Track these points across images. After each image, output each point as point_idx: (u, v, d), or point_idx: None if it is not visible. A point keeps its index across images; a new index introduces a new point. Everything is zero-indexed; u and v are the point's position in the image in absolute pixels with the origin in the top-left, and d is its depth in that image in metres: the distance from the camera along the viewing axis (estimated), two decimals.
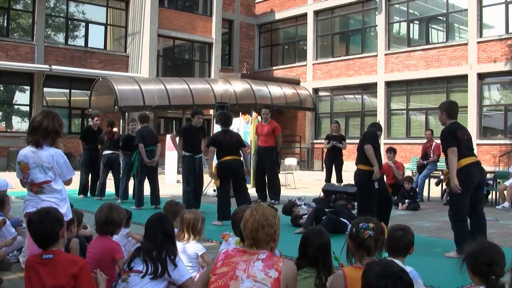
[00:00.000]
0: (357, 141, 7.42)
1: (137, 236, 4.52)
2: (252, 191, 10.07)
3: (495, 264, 2.67)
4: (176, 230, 4.11)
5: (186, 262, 3.97)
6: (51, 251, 3.03)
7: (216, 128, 12.98)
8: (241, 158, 7.95)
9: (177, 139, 9.03)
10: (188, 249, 4.08)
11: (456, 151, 5.63)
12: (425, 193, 11.60)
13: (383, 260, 2.42)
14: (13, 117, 20.72)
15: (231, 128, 8.55)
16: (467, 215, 5.70)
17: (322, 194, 10.56)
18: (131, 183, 10.13)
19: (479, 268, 2.69)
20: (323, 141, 13.01)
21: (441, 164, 11.05)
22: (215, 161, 8.24)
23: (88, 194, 10.90)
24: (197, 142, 8.91)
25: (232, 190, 8.10)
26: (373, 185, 6.73)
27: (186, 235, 4.13)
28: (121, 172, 10.27)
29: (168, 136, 15.86)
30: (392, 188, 10.28)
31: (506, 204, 10.15)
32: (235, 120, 10.63)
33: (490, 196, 11.30)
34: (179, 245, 4.09)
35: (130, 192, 10.14)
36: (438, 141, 10.31)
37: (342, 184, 11.32)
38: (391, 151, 10.63)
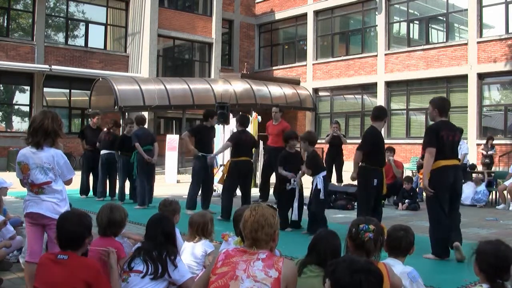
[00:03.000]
0: (357, 141, 7.44)
1: (133, 235, 4.51)
2: (254, 190, 10.10)
3: (505, 266, 2.66)
4: (176, 229, 4.12)
5: (194, 259, 4.02)
6: (67, 252, 3.01)
7: (217, 128, 13.02)
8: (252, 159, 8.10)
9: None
10: (198, 247, 4.12)
11: (434, 151, 5.58)
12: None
13: (346, 257, 2.40)
14: (13, 117, 20.70)
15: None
16: (444, 216, 5.58)
17: None
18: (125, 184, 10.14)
19: (487, 267, 2.68)
20: (323, 141, 13.02)
21: None
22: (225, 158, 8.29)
23: (91, 193, 10.89)
24: (211, 142, 9.00)
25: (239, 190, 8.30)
26: (371, 182, 6.71)
27: (197, 237, 4.19)
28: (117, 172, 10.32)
29: (168, 136, 15.91)
30: (390, 188, 10.27)
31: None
32: (234, 120, 10.68)
33: (490, 196, 11.30)
34: (189, 244, 4.14)
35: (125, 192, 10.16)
36: None
37: (342, 184, 11.33)
38: (390, 150, 10.63)
